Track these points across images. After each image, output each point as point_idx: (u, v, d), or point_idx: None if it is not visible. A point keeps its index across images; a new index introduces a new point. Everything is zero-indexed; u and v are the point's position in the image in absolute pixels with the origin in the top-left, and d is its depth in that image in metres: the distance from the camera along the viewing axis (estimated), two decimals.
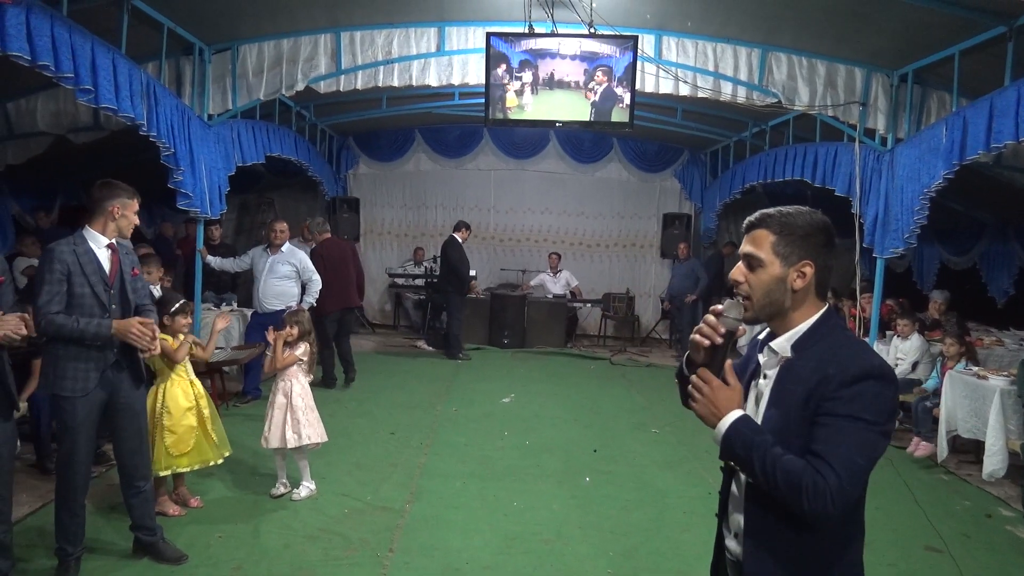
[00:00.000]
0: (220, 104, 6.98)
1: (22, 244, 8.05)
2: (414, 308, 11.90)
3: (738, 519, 1.65)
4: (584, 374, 9.13)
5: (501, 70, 6.60)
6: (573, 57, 6.58)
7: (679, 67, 6.88)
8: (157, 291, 6.19)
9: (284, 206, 13.00)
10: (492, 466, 5.38)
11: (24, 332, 3.01)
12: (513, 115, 6.80)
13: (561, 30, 6.56)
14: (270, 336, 4.68)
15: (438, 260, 11.35)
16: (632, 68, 6.57)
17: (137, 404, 3.63)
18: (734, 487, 1.69)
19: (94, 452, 3.66)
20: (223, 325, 4.87)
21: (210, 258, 7.30)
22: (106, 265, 3.43)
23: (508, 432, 6.27)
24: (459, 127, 11.90)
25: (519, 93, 6.69)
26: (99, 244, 3.45)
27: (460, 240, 9.58)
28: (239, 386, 7.24)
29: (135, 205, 3.56)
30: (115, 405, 3.53)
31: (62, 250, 3.34)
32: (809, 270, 1.59)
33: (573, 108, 6.75)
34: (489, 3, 6.46)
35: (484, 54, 6.65)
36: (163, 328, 4.25)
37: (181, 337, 4.35)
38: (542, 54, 6.61)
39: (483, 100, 6.82)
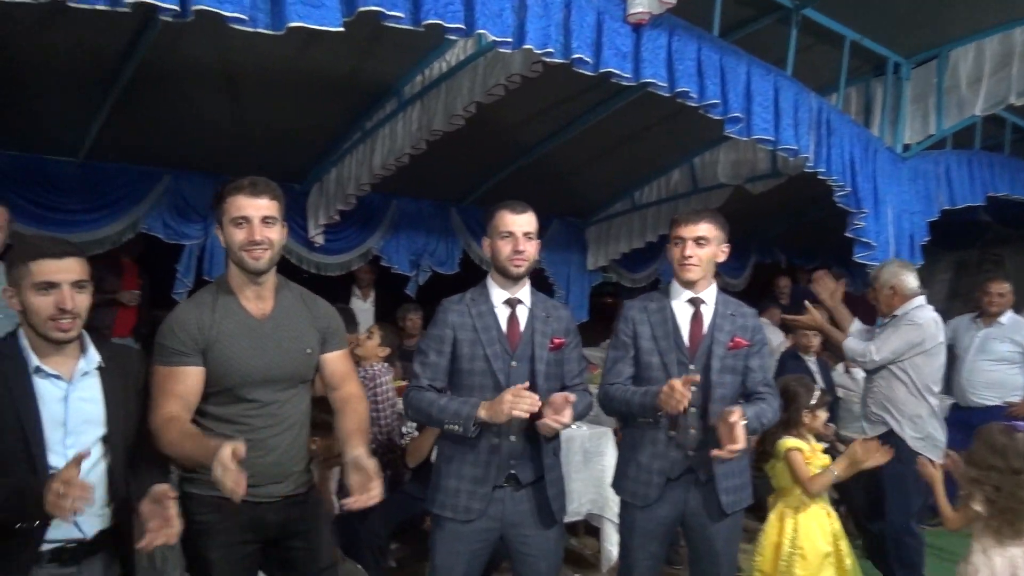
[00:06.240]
0: (920, 130, 5.46)
1: None
2: None
3: None
4: None
5: None
6: None
7: None
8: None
9: (1018, 265, 10.22)
10: None
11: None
12: None
13: None
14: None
15: None
16: None
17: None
18: None
19: None
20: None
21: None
22: (684, 330, 2.50)
23: None
24: None
25: None
26: (679, 298, 2.55)
27: None
28: None
29: None
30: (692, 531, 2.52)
31: (632, 307, 2.58)
32: None
33: None
34: None
35: None
36: (792, 427, 3.09)
37: (816, 447, 3.10)
38: None
39: None
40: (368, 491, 1.99)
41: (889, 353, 3.69)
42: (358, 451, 2.08)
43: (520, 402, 2.19)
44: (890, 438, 3.53)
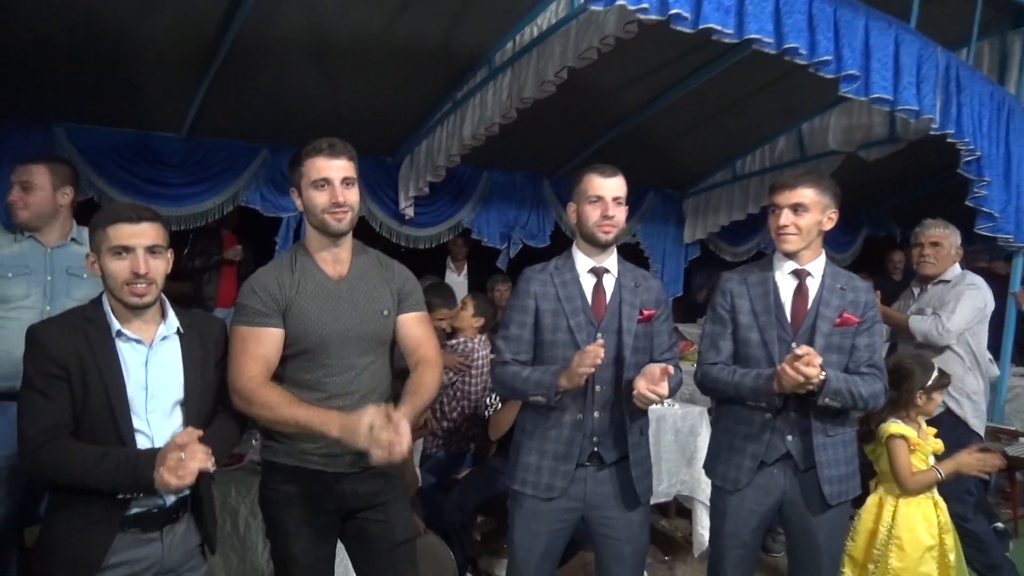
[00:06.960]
0: None
1: None
2: None
3: None
4: None
5: None
6: None
7: None
8: None
9: None
10: None
11: None
12: None
13: None
14: None
15: None
16: None
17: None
18: None
19: None
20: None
21: None
22: (787, 305, 2.30)
23: None
24: None
25: None
26: (783, 269, 2.34)
27: None
28: None
29: None
30: None
31: (730, 279, 2.40)
32: None
33: None
34: None
35: None
36: (901, 408, 2.82)
37: (929, 432, 2.82)
38: None
39: None
40: (390, 445, 1.81)
41: (962, 322, 3.37)
42: (401, 412, 1.91)
43: (584, 358, 2.07)
44: (946, 419, 3.21)
